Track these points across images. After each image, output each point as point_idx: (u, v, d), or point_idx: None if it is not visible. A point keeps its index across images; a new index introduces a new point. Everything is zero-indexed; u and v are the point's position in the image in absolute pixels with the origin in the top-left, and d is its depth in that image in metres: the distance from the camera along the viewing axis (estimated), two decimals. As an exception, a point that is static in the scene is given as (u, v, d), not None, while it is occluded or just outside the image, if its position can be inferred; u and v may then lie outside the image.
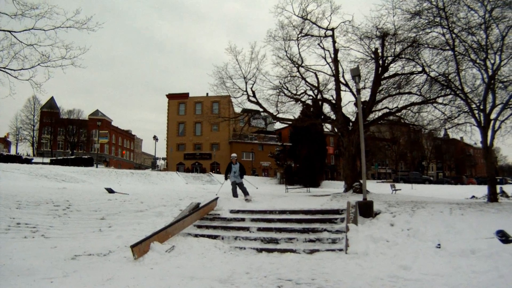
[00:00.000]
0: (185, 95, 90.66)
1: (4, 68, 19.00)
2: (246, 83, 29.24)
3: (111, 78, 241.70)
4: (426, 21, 20.11)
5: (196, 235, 12.64)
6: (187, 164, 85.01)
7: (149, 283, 7.97)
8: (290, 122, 34.27)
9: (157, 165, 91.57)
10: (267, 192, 29.78)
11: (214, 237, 12.40)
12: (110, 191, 24.33)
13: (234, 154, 20.71)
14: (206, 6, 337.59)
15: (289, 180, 54.95)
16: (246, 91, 29.26)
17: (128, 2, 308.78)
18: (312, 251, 10.69)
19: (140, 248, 10.46)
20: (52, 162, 65.21)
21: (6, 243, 12.43)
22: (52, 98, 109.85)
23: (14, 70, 19.11)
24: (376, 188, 35.70)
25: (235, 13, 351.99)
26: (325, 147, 63.41)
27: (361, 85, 24.72)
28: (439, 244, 10.04)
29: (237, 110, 42.73)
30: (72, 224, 15.60)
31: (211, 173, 66.55)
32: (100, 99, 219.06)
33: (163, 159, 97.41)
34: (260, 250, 11.14)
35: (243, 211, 14.87)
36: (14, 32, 18.98)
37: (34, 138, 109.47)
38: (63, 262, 10.19)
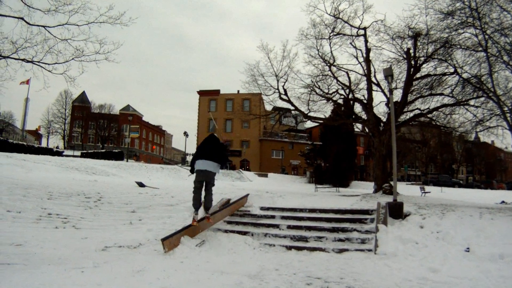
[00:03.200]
0: (216, 92, 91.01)
1: (38, 62, 19.32)
2: (278, 81, 29.20)
3: (138, 75, 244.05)
4: (459, 21, 19.89)
5: (226, 231, 12.73)
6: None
7: (179, 277, 8.01)
8: (321, 121, 34.15)
9: (186, 161, 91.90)
10: (296, 191, 29.77)
11: (244, 233, 12.43)
12: (141, 185, 24.54)
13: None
14: (230, 4, 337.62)
15: (318, 179, 54.78)
16: (277, 89, 29.25)
17: (153, 1, 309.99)
18: (341, 251, 10.70)
19: (170, 241, 10.57)
20: (83, 155, 66.22)
21: (38, 233, 12.62)
22: (83, 93, 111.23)
23: (49, 64, 19.45)
24: (406, 190, 35.51)
25: (259, 12, 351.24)
26: (355, 147, 63.18)
27: (393, 85, 24.61)
28: (468, 248, 9.97)
29: (268, 108, 42.76)
30: (103, 216, 15.77)
31: (240, 170, 66.72)
32: (129, 95, 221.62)
33: (193, 155, 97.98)
34: (289, 248, 11.17)
35: (273, 209, 14.86)
36: (48, 27, 19.29)
37: (65, 131, 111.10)
38: (94, 253, 10.29)
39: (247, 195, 16.46)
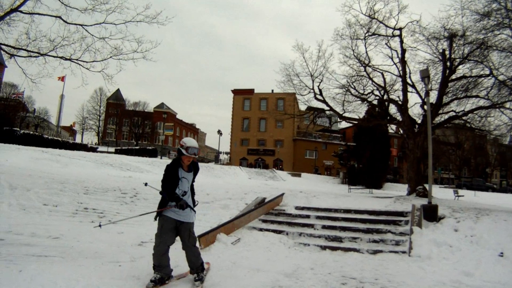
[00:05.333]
0: (250, 91, 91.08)
1: (77, 60, 19.62)
2: (313, 81, 29.16)
3: (171, 73, 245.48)
4: (495, 22, 19.62)
5: (261, 229, 12.84)
6: (250, 159, 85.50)
7: (216, 273, 8.13)
8: (356, 122, 34.04)
9: (219, 159, 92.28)
10: (329, 191, 29.76)
11: (279, 232, 12.54)
12: (176, 182, 24.83)
13: (190, 141, 7.60)
14: (262, 4, 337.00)
15: (351, 180, 54.58)
16: (313, 89, 29.19)
17: (185, 1, 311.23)
18: (375, 252, 10.76)
19: (206, 238, 10.71)
20: (117, 152, 66.82)
21: (74, 227, 12.93)
22: (118, 90, 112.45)
23: (87, 62, 19.71)
24: (439, 193, 35.18)
25: (290, 11, 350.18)
26: (389, 148, 62.65)
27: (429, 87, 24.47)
28: (501, 253, 9.95)
29: (302, 107, 42.69)
30: (139, 212, 15.73)
31: (274, 169, 66.68)
32: (162, 93, 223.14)
33: (226, 153, 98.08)
34: (324, 248, 11.24)
35: (308, 208, 14.91)
36: (86, 26, 19.57)
37: (100, 128, 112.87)
38: (130, 248, 10.50)
39: (282, 194, 16.52)
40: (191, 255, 7.54)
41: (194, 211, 7.65)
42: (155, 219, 7.48)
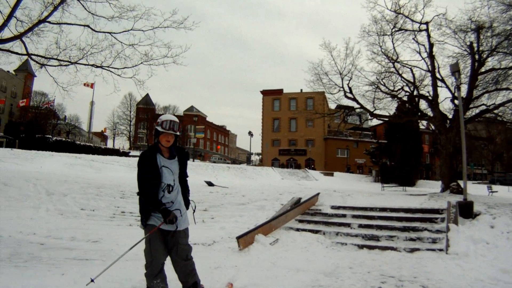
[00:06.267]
0: (279, 91, 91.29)
1: (108, 67, 20.01)
2: (342, 79, 29.18)
3: (199, 76, 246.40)
4: (522, 12, 19.58)
5: (298, 229, 12.89)
6: (282, 159, 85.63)
7: (257, 273, 8.18)
8: (387, 119, 33.93)
9: (251, 160, 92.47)
10: (363, 190, 29.72)
11: (316, 231, 12.58)
12: (210, 184, 25.07)
13: (166, 116, 5.80)
14: (283, 3, 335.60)
15: (384, 178, 54.26)
16: (342, 87, 29.18)
17: (208, 3, 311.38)
18: (412, 250, 10.74)
19: (245, 239, 10.81)
20: (149, 156, 67.65)
21: (112, 230, 13.15)
22: (147, 95, 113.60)
23: (118, 68, 20.13)
24: (472, 189, 34.70)
25: (313, 9, 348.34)
26: (421, 145, 62.16)
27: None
28: (539, 249, 9.88)
29: (331, 106, 42.63)
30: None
31: (306, 169, 66.62)
32: (190, 96, 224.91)
33: (258, 154, 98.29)
34: (361, 247, 11.27)
35: (344, 207, 14.95)
36: (114, 33, 19.98)
37: (131, 133, 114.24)
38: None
39: (318, 194, 16.56)
40: (179, 271, 5.84)
41: (187, 207, 5.96)
42: (144, 230, 5.75)
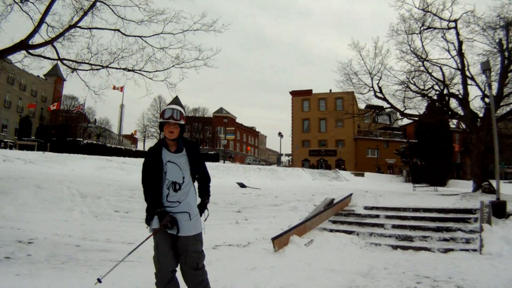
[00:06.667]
0: (309, 92, 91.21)
1: (140, 70, 20.30)
2: (371, 78, 29.20)
3: (226, 78, 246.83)
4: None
5: (331, 230, 12.95)
6: (312, 160, 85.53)
7: (293, 274, 8.24)
8: (417, 118, 33.80)
9: (281, 161, 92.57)
10: (394, 190, 29.62)
11: (349, 232, 12.63)
12: (242, 185, 25.25)
13: (169, 106, 5.16)
14: (310, 3, 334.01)
15: (415, 178, 53.77)
16: (372, 87, 29.16)
17: (235, 5, 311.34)
18: (446, 250, 10.75)
19: (280, 240, 10.88)
20: (180, 158, 68.15)
21: (147, 232, 13.10)
22: (176, 97, 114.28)
23: (149, 72, 20.40)
24: (504, 189, 34.37)
25: (339, 8, 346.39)
26: (452, 144, 61.59)
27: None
28: None
29: (361, 105, 42.57)
30: (210, 216, 16.45)
31: (337, 169, 66.42)
32: (219, 98, 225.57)
33: (288, 155, 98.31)
34: (395, 247, 11.33)
35: (377, 208, 15.00)
36: (145, 37, 20.28)
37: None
38: (205, 251, 10.69)
39: (351, 194, 16.58)
40: (188, 281, 5.24)
41: (203, 208, 5.38)
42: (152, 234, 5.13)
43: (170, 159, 5.05)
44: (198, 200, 5.37)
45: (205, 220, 5.44)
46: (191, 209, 5.04)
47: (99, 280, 4.84)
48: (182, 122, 5.08)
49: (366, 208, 15.08)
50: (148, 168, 5.13)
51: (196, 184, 5.41)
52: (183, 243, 4.99)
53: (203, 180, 5.37)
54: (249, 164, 75.13)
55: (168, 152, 5.08)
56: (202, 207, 5.34)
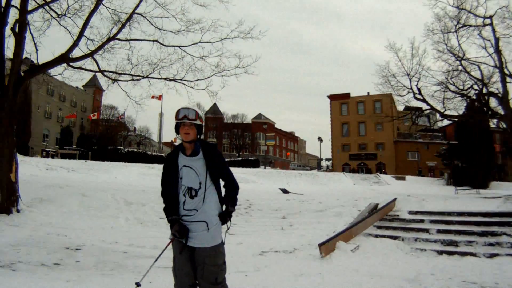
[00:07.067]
0: (347, 95, 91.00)
1: (181, 80, 20.58)
2: (410, 80, 28.95)
3: (262, 83, 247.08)
4: None
5: (376, 236, 12.97)
6: (353, 164, 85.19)
7: (340, 280, 8.33)
8: (456, 119, 33.55)
9: (321, 166, 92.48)
10: (436, 193, 29.41)
11: (395, 238, 12.64)
12: (285, 191, 25.38)
13: (183, 106, 4.88)
14: (342, 5, 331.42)
15: (456, 181, 52.96)
16: (411, 88, 29.01)
17: (270, 12, 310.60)
18: (491, 255, 10.68)
19: (327, 246, 10.94)
20: (220, 164, 68.67)
21: None
22: (214, 104, 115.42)
23: (190, 81, 20.65)
24: (549, 190, 33.86)
25: (373, 10, 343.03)
26: (492, 144, 60.53)
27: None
28: None
29: (399, 107, 42.37)
30: (255, 222, 16.59)
31: (378, 173, 65.98)
32: (256, 103, 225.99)
33: (327, 159, 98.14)
34: (440, 252, 11.30)
35: (421, 213, 14.89)
36: (183, 46, 20.50)
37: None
38: (252, 258, 10.83)
39: (395, 199, 16.51)
40: None
41: (225, 219, 4.73)
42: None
43: (186, 163, 4.72)
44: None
45: (226, 231, 4.87)
46: (208, 218, 4.57)
47: (137, 284, 4.75)
48: (198, 122, 4.76)
49: (410, 212, 15.00)
50: (165, 174, 4.87)
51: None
52: (200, 255, 4.55)
53: (227, 186, 4.89)
54: (293, 169, 75.34)
55: (184, 156, 4.76)
56: (225, 216, 4.68)
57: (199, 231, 4.51)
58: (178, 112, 4.74)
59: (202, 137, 4.94)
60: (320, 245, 10.92)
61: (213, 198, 4.65)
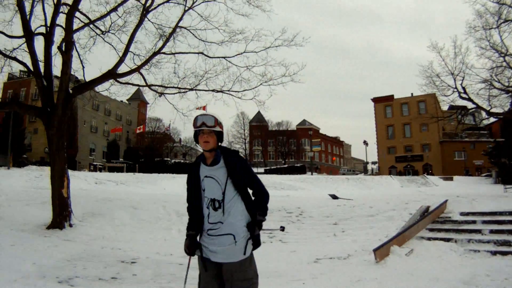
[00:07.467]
0: (390, 98, 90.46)
1: (228, 91, 20.91)
2: (454, 79, 28.81)
3: (305, 89, 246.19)
4: None
5: (429, 238, 12.92)
6: (399, 167, 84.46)
7: (397, 285, 8.40)
8: (502, 116, 33.17)
9: (367, 169, 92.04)
10: (484, 193, 29.12)
11: (447, 240, 12.57)
12: (334, 197, 25.36)
13: (200, 113, 4.62)
14: (379, 7, 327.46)
15: (504, 179, 52.01)
16: (456, 88, 28.90)
17: (310, 18, 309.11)
18: None
19: (381, 252, 10.94)
20: (267, 172, 68.94)
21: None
22: (258, 112, 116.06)
23: (238, 91, 20.93)
24: None
25: (410, 10, 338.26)
26: (539, 141, 59.32)
27: None
28: None
29: (444, 107, 41.90)
30: (307, 230, 16.66)
31: (425, 175, 65.22)
32: (299, 109, 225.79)
33: (373, 163, 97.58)
34: (494, 253, 11.24)
35: (473, 213, 14.83)
36: (228, 57, 20.84)
37: (246, 151, 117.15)
38: (307, 265, 10.94)
39: (446, 201, 16.40)
40: None
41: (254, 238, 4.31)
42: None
43: (207, 173, 4.35)
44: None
45: (252, 243, 4.30)
46: (235, 230, 4.18)
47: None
48: (218, 129, 4.37)
49: (462, 214, 14.93)
50: (187, 188, 4.57)
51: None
52: (228, 271, 4.18)
53: (255, 194, 4.45)
54: (343, 174, 75.15)
55: (205, 166, 4.39)
56: (253, 226, 4.26)
57: (225, 245, 4.13)
58: (195, 119, 4.38)
59: (225, 145, 4.67)
60: (375, 250, 10.93)
61: (239, 208, 4.29)
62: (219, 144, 4.41)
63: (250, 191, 4.44)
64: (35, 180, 35.47)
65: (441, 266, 10.22)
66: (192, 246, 4.33)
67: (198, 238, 4.42)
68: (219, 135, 4.38)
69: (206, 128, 4.24)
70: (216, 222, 4.20)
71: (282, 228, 5.24)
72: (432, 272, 9.50)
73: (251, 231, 4.22)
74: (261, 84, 21.15)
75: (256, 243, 4.32)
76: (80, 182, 33.52)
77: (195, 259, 4.49)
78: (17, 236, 14.02)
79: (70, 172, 18.50)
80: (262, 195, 4.40)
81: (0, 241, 12.57)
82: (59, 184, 16.63)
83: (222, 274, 4.19)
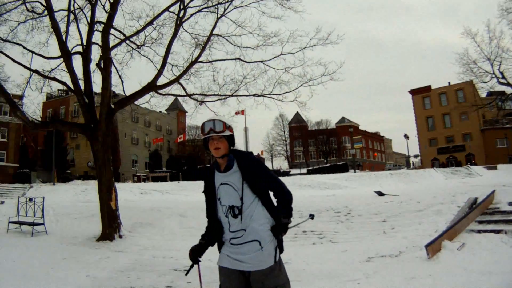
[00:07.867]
0: (428, 88, 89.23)
1: (269, 94, 21.12)
2: (491, 64, 28.79)
3: (340, 86, 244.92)
4: None
5: (479, 231, 12.72)
6: (441, 158, 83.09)
7: (451, 280, 8.43)
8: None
9: (410, 163, 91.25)
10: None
11: (498, 231, 12.39)
12: (380, 194, 25.37)
13: (208, 119, 4.18)
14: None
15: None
16: (493, 73, 28.72)
17: (341, 15, 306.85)
18: None
19: (433, 247, 10.86)
20: (309, 172, 68.82)
21: (298, 250, 13.52)
22: (297, 113, 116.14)
23: (279, 94, 21.11)
24: None
25: None
26: None
27: None
28: None
29: (482, 94, 41.48)
30: (356, 228, 16.70)
31: (468, 165, 64.48)
32: (336, 107, 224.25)
33: (415, 156, 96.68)
34: None
35: None
36: (265, 61, 21.10)
37: (287, 152, 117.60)
38: (359, 264, 10.97)
39: (493, 191, 16.10)
40: None
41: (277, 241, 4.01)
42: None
43: (222, 180, 4.15)
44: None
45: (276, 246, 3.99)
46: (260, 236, 3.92)
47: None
48: (228, 133, 4.11)
49: (510, 204, 14.63)
50: (206, 199, 4.41)
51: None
52: (257, 279, 3.89)
53: (276, 195, 4.18)
54: (389, 170, 74.77)
55: (219, 173, 4.19)
56: (278, 229, 3.99)
57: (252, 253, 3.88)
58: (203, 125, 4.15)
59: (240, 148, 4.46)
60: (427, 246, 10.90)
61: (261, 212, 4.03)
62: (231, 148, 4.21)
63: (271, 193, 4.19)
64: (81, 194, 36.50)
65: (493, 259, 10.09)
66: (195, 253, 4.36)
67: (211, 246, 4.45)
68: (230, 139, 4.17)
69: (215, 134, 4.04)
70: (238, 230, 4.01)
71: (312, 216, 5.16)
72: (485, 266, 9.41)
73: (276, 234, 3.99)
74: (301, 85, 21.35)
75: (280, 249, 4.06)
76: (126, 193, 34.18)
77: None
78: (68, 250, 14.53)
79: (116, 184, 19.04)
80: (284, 195, 4.15)
81: (52, 255, 13.06)
82: (107, 197, 17.15)
83: (251, 284, 3.94)
